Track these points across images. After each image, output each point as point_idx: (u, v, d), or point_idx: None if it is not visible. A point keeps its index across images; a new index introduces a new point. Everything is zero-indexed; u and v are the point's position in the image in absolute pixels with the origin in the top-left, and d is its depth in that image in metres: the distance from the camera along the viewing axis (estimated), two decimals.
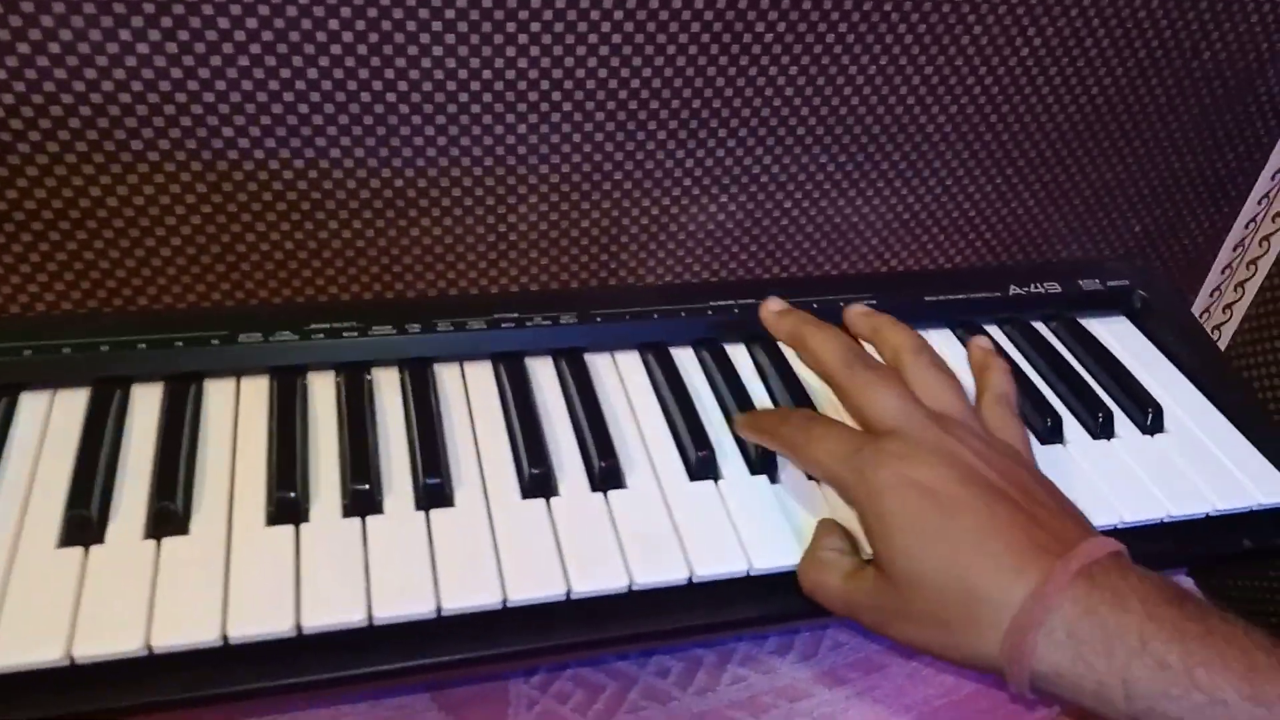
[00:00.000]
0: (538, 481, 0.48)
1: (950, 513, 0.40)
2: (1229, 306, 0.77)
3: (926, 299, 0.62)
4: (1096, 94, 0.64)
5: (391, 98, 0.53)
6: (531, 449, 0.49)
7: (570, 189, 0.59)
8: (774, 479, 0.50)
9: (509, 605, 0.43)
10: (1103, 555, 0.38)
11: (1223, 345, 0.77)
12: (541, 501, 0.47)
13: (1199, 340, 0.64)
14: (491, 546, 0.44)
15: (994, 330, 0.63)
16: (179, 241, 0.55)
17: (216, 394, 0.52)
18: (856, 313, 0.53)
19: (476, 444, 0.50)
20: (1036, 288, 0.64)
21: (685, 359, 0.58)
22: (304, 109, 0.52)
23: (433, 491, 0.46)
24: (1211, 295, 0.78)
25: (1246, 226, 0.75)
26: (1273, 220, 0.75)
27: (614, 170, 0.59)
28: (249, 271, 0.57)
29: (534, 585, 0.43)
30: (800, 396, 0.55)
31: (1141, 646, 0.36)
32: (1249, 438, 0.57)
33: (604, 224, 0.61)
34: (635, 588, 0.44)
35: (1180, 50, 0.64)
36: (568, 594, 0.43)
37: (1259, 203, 0.75)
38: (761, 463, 0.50)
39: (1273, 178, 0.74)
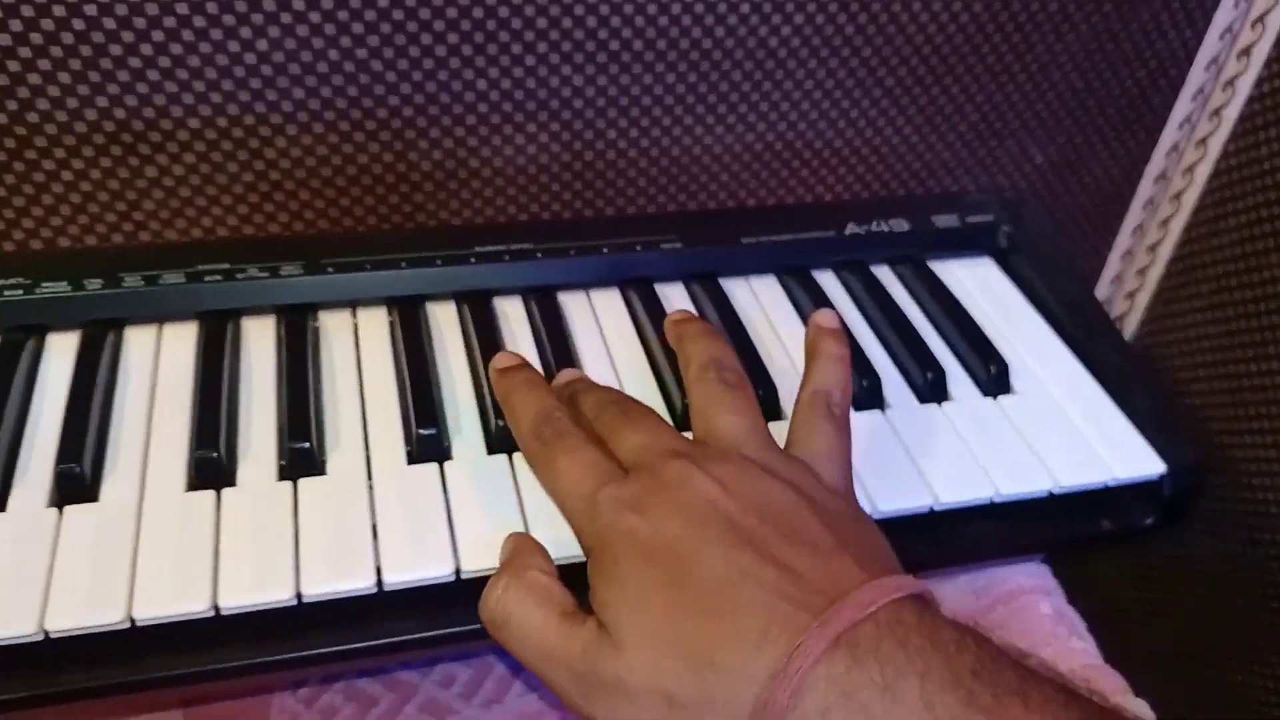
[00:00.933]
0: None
1: (677, 568, 0.32)
2: (1152, 247, 0.67)
3: (744, 240, 0.52)
4: None
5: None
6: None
7: (338, 119, 0.50)
8: None
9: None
10: (880, 607, 0.30)
11: (1146, 296, 0.67)
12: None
13: (1074, 286, 0.54)
14: None
15: (827, 278, 0.53)
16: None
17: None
18: (669, 322, 0.44)
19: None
20: (880, 226, 0.54)
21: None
22: None
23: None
24: (1132, 235, 0.68)
25: (1167, 156, 0.65)
26: (1197, 147, 0.64)
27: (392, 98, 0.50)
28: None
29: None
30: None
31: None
32: (1120, 401, 0.47)
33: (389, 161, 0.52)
34: None
35: None
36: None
37: (1179, 128, 0.64)
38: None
39: (1193, 98, 0.64)
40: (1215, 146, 0.61)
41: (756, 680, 0.29)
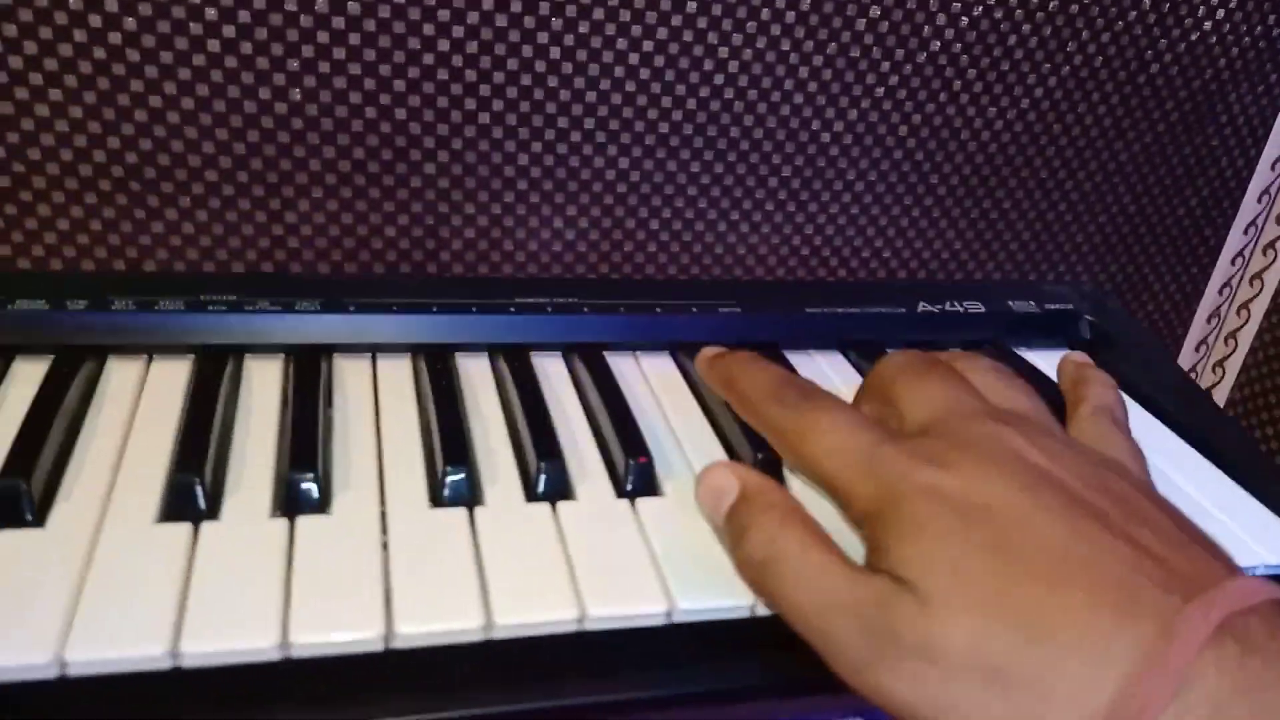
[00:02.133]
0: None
1: (1004, 528, 0.27)
2: (1220, 364, 0.63)
3: (808, 310, 0.47)
4: (1041, 99, 0.52)
5: None
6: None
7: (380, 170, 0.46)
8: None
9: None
10: (1262, 601, 0.24)
11: (1221, 399, 0.62)
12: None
13: (1170, 376, 0.49)
14: None
15: None
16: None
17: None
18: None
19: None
20: (954, 305, 0.49)
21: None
22: None
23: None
24: (1198, 350, 0.63)
25: (1233, 263, 0.62)
26: (1264, 253, 0.62)
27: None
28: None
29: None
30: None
31: None
32: (1245, 486, 0.41)
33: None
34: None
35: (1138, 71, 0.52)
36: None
37: (1244, 232, 0.62)
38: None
39: (1259, 200, 0.62)
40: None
41: (1119, 661, 0.23)
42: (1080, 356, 0.42)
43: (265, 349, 0.41)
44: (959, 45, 0.51)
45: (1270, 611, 0.24)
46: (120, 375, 0.39)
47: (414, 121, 0.46)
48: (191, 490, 0.32)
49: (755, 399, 0.35)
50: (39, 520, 0.31)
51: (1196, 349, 0.64)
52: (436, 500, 0.34)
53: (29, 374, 0.38)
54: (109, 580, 0.29)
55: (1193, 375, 0.66)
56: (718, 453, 0.39)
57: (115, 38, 0.42)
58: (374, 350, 0.42)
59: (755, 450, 0.36)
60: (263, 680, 0.28)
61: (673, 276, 0.51)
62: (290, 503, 0.32)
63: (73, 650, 0.27)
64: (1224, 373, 0.64)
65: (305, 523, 0.32)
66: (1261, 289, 0.61)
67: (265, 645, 0.28)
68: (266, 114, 0.45)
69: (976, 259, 0.57)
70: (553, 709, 0.28)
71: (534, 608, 0.30)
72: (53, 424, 0.34)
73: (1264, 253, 0.61)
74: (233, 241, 0.47)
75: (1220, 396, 0.65)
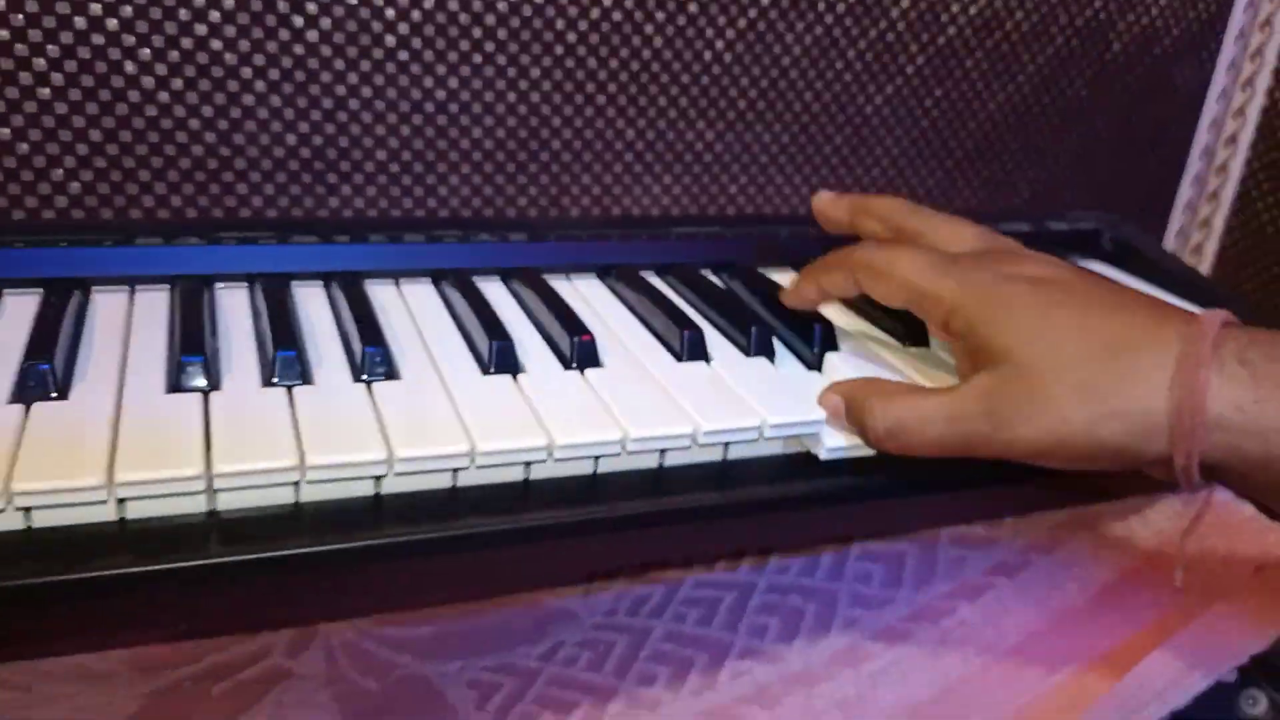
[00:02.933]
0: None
1: (1064, 290, 0.37)
2: (1198, 247, 0.76)
3: None
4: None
5: None
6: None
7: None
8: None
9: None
10: (1228, 317, 0.35)
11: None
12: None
13: (1178, 270, 0.61)
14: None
15: None
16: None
17: None
18: (828, 199, 0.50)
19: None
20: (1004, 226, 0.61)
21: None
22: None
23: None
24: (1176, 239, 0.77)
25: (1200, 158, 0.75)
26: (1226, 145, 0.75)
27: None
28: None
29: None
30: None
31: None
32: None
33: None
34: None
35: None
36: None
37: (1209, 130, 0.75)
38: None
39: (1217, 101, 0.75)
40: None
41: (1172, 344, 0.33)
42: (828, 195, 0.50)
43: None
44: (964, 35, 0.63)
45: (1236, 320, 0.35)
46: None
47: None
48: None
49: (840, 255, 0.44)
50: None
51: (1175, 238, 0.78)
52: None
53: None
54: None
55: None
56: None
57: None
58: None
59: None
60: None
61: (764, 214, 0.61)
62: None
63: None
64: (1201, 256, 0.78)
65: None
66: (1226, 178, 0.75)
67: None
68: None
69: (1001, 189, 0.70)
70: None
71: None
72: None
73: (1224, 146, 0.75)
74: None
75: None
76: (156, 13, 0.47)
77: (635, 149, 0.58)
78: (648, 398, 0.39)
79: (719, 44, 0.58)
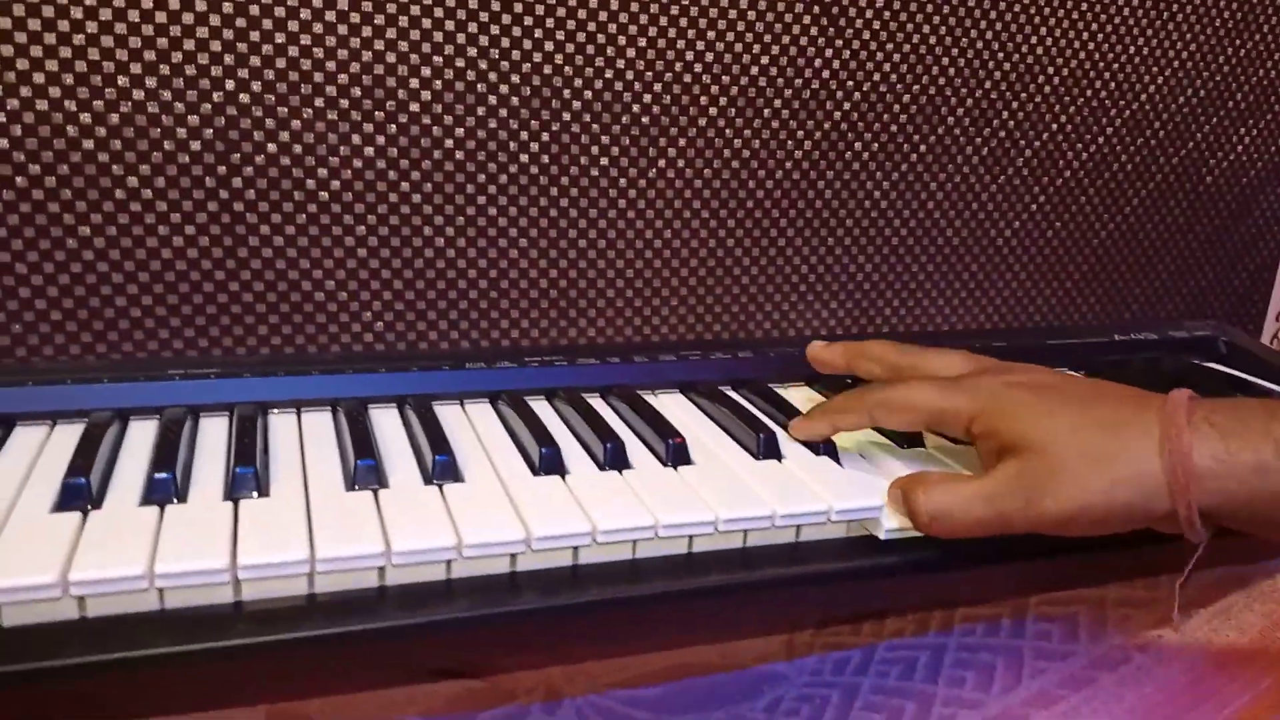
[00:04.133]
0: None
1: (1060, 392, 0.46)
2: None
3: (1049, 343, 0.69)
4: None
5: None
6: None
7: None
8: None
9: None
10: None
11: None
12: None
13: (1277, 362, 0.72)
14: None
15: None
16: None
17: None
18: (821, 347, 0.57)
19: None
20: (1137, 335, 0.72)
21: None
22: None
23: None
24: (1274, 341, 0.87)
25: None
26: None
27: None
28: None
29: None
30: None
31: (1270, 413, 0.41)
32: None
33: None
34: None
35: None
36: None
37: None
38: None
39: None
40: None
41: (1153, 420, 0.42)
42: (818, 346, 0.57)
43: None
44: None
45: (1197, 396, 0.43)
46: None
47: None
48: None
49: (857, 395, 0.50)
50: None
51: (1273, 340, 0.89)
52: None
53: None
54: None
55: None
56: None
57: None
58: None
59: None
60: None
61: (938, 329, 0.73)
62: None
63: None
64: None
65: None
66: None
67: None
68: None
69: (1115, 302, 0.81)
70: None
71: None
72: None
73: None
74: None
75: None
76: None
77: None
78: (733, 488, 0.47)
79: (877, 191, 0.71)
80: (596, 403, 0.58)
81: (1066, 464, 0.42)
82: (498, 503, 0.44)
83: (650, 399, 0.59)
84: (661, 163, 0.65)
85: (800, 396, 0.64)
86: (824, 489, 0.47)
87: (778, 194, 0.69)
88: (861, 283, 0.72)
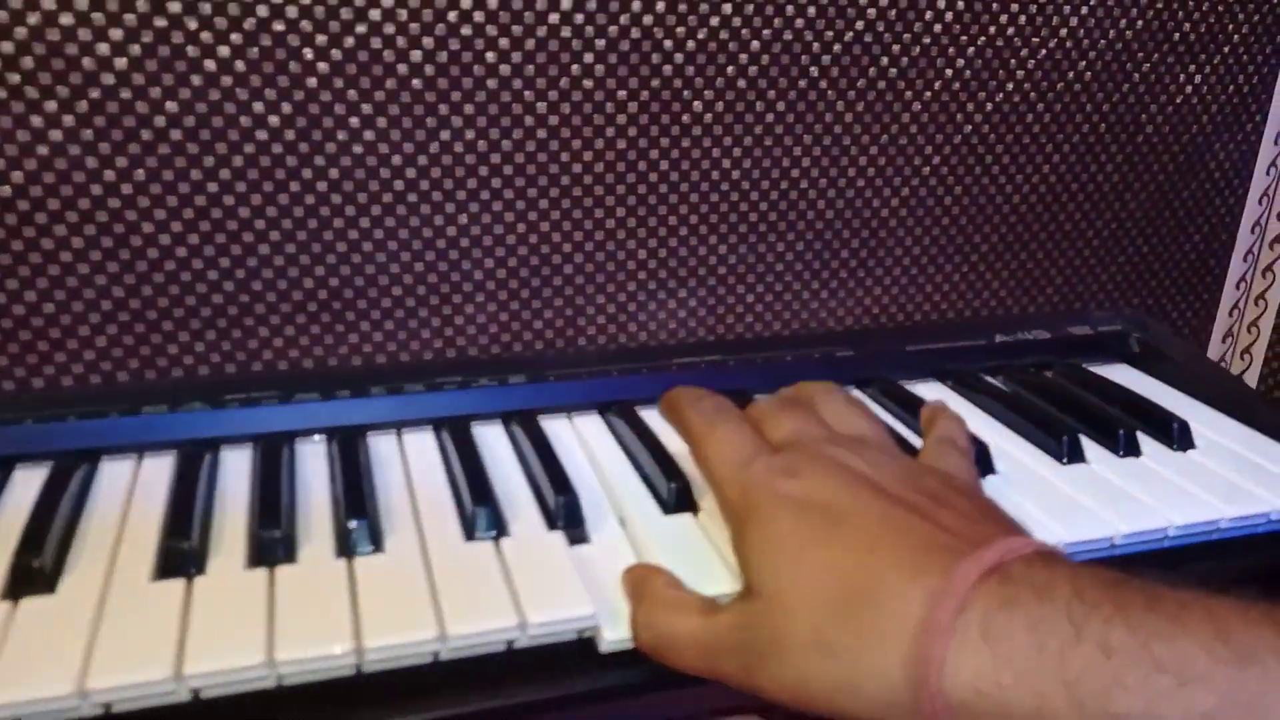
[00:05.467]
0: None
1: (833, 521, 0.34)
2: (1246, 350, 0.72)
3: (909, 349, 0.57)
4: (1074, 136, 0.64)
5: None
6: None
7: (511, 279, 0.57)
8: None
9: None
10: (1026, 551, 0.31)
11: (1253, 378, 0.72)
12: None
13: (1215, 376, 0.59)
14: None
15: (993, 381, 0.57)
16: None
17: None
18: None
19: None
20: (1024, 335, 0.59)
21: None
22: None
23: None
24: (1224, 341, 0.73)
25: (1245, 259, 0.72)
26: (1271, 248, 0.72)
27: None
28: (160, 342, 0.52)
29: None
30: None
31: (1076, 633, 0.28)
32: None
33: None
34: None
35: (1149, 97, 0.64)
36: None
37: (1252, 231, 0.72)
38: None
39: (1259, 202, 0.72)
40: None
41: (915, 604, 0.29)
42: (936, 403, 0.48)
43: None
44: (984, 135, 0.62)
45: (1033, 556, 0.30)
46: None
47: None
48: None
49: (679, 405, 0.43)
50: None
51: (1223, 340, 0.74)
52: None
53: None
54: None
55: (1223, 363, 0.76)
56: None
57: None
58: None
59: (668, 480, 0.44)
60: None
61: (798, 332, 0.61)
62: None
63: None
64: (1251, 358, 0.74)
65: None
66: (1274, 280, 0.72)
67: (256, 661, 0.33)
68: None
69: (1030, 295, 0.68)
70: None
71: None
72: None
73: (1270, 247, 0.71)
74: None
75: (1251, 376, 0.75)
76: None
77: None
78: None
79: (726, 161, 0.58)
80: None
81: (790, 639, 0.32)
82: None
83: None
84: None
85: None
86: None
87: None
88: (689, 281, 0.60)
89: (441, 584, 0.37)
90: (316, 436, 0.49)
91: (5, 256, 0.49)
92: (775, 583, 0.33)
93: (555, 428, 0.50)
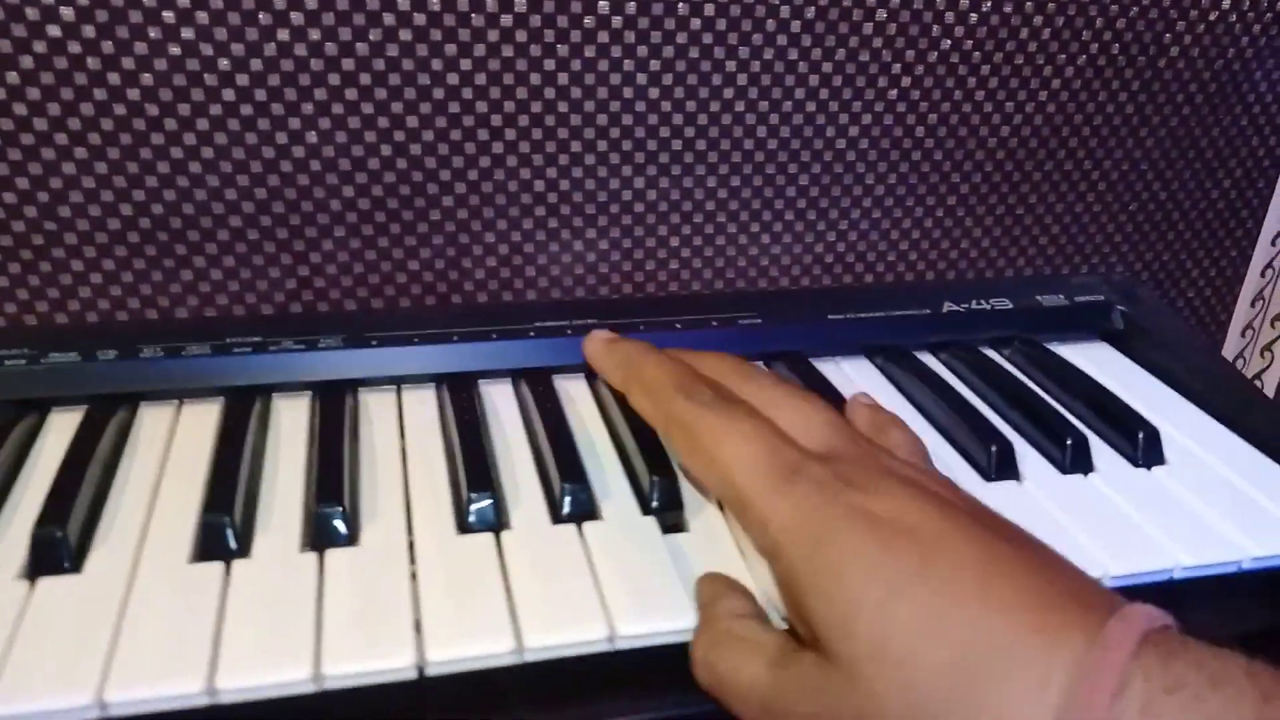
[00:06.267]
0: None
1: (925, 555, 0.26)
2: (1268, 348, 0.61)
3: (830, 317, 0.46)
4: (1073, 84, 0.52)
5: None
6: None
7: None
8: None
9: None
10: (1165, 623, 0.24)
11: (1273, 381, 0.61)
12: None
13: (1215, 368, 0.47)
14: None
15: (927, 359, 0.47)
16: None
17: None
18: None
19: None
20: (980, 304, 0.48)
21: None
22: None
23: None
24: (1243, 335, 0.62)
25: (1273, 243, 0.60)
26: None
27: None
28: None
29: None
30: None
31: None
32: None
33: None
34: None
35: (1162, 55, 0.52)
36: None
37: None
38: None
39: None
40: None
41: (1056, 681, 0.23)
42: (865, 399, 0.37)
43: (291, 387, 0.42)
44: (970, 41, 0.51)
45: (1174, 628, 0.24)
46: (152, 421, 0.40)
47: (429, 156, 0.47)
48: (222, 530, 0.33)
49: (658, 392, 0.33)
50: (76, 566, 0.32)
51: (1242, 334, 0.62)
52: (463, 527, 0.34)
53: (65, 424, 0.39)
54: (145, 621, 0.30)
55: (1240, 361, 0.64)
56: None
57: (134, 94, 0.43)
58: (398, 382, 0.43)
59: (651, 473, 0.35)
60: (302, 714, 0.28)
61: (695, 292, 0.51)
62: (319, 537, 0.33)
63: (112, 691, 0.27)
64: (1273, 356, 0.63)
65: (334, 555, 0.32)
66: None
67: (299, 677, 0.28)
68: (284, 158, 0.46)
69: (1006, 256, 0.57)
70: None
71: (563, 628, 0.30)
72: (86, 472, 0.35)
73: None
74: (260, 285, 0.48)
75: (1271, 379, 0.63)
76: None
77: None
78: None
79: (621, 77, 0.47)
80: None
81: (884, 709, 0.24)
82: None
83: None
84: None
85: None
86: None
87: None
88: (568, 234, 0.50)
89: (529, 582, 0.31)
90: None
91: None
92: (855, 646, 0.25)
93: None
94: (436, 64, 0.45)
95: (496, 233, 0.49)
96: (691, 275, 0.52)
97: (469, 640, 0.29)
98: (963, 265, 0.55)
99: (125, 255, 0.46)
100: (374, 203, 0.47)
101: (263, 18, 0.43)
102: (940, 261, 0.55)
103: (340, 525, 0.33)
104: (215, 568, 0.31)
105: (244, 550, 0.33)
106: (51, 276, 0.46)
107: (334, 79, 0.45)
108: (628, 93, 0.48)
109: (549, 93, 0.47)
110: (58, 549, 0.31)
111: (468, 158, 0.47)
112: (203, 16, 0.42)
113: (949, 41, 0.50)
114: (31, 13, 0.41)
